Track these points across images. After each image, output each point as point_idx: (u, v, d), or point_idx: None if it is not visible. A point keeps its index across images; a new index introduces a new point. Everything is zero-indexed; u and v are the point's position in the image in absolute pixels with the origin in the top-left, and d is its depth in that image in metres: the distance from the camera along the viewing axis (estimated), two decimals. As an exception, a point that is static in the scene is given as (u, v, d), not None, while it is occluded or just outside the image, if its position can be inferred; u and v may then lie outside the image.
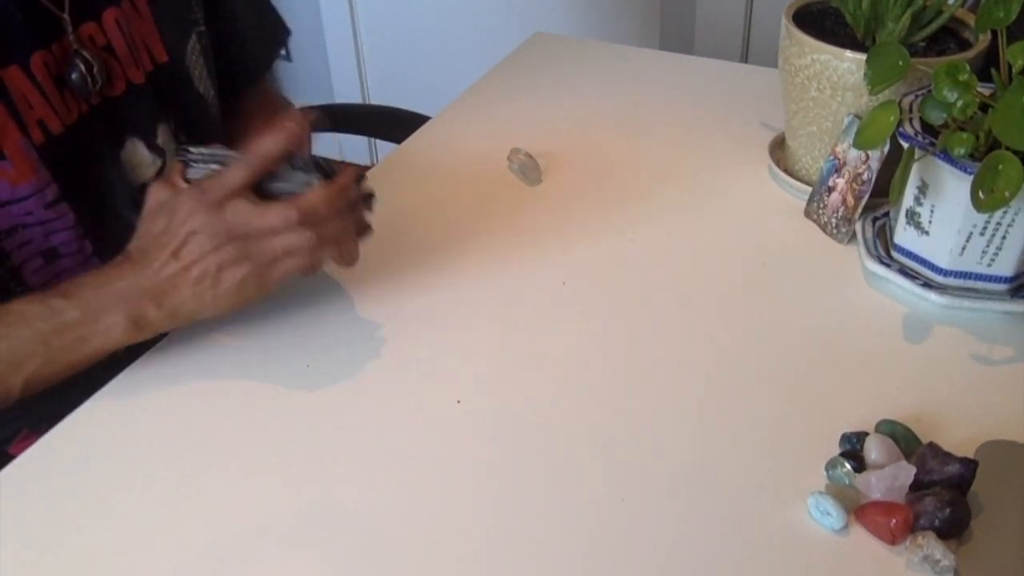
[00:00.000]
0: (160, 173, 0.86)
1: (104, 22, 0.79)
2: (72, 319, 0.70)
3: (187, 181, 0.73)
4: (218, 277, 0.70)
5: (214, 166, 0.73)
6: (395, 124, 1.26)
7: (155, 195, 0.73)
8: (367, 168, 0.97)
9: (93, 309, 0.70)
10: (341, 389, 0.74)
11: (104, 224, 0.82)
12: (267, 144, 0.71)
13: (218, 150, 0.74)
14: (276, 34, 1.05)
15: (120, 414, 0.72)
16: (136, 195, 0.84)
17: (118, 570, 0.60)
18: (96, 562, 0.61)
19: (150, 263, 0.70)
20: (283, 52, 2.62)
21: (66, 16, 0.76)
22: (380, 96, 2.54)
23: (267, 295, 0.73)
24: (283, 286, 0.74)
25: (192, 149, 0.74)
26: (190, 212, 0.70)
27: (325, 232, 0.72)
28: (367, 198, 0.77)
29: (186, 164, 0.74)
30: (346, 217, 0.74)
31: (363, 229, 0.76)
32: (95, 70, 0.77)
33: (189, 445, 0.69)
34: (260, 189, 0.72)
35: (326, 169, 0.74)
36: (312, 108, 0.75)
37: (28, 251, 0.78)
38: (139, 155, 0.84)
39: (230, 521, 0.63)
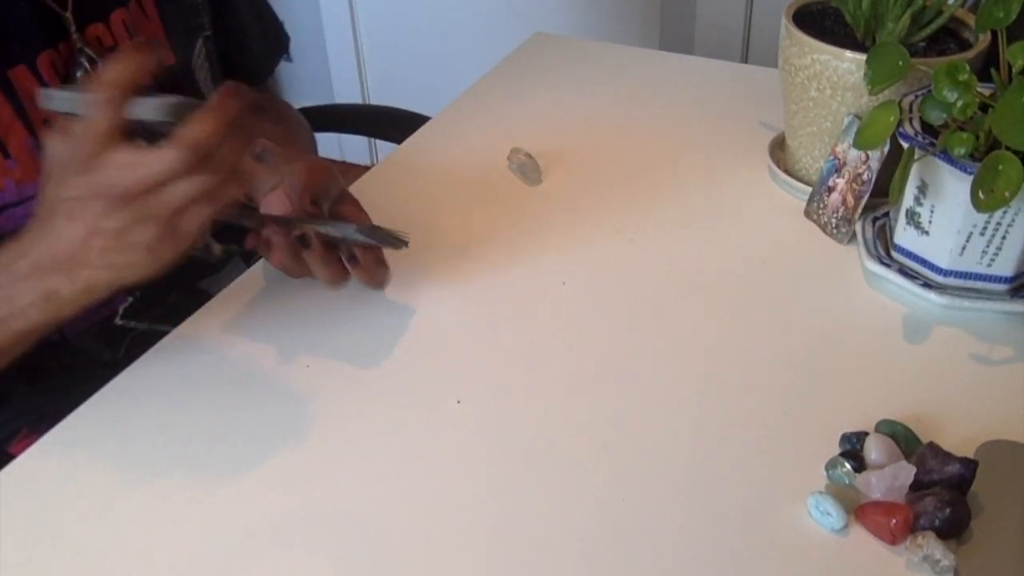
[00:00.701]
0: None
1: (112, 23, 0.80)
2: None
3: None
4: (123, 242, 0.62)
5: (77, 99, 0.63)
6: (395, 124, 1.26)
7: (52, 146, 0.64)
8: (365, 169, 0.97)
9: (4, 293, 0.65)
10: (341, 389, 0.74)
11: None
12: (117, 68, 0.61)
13: (79, 85, 0.65)
14: (278, 41, 1.06)
15: (120, 414, 0.72)
16: None
17: (118, 570, 0.60)
18: (96, 562, 0.61)
19: (50, 232, 0.64)
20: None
21: (69, 15, 0.76)
22: (380, 96, 2.55)
23: (187, 246, 0.64)
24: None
25: (52, 91, 0.66)
26: (66, 177, 0.62)
27: (221, 163, 0.62)
28: (254, 107, 0.64)
29: (50, 107, 0.65)
30: (239, 140, 0.63)
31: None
32: (99, 70, 0.77)
33: (189, 445, 0.69)
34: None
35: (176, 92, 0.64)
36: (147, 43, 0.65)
37: None
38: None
39: (230, 521, 0.63)
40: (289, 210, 0.78)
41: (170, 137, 0.60)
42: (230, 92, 0.62)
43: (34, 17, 0.74)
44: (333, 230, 0.75)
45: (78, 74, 0.76)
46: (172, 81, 0.86)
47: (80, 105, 0.62)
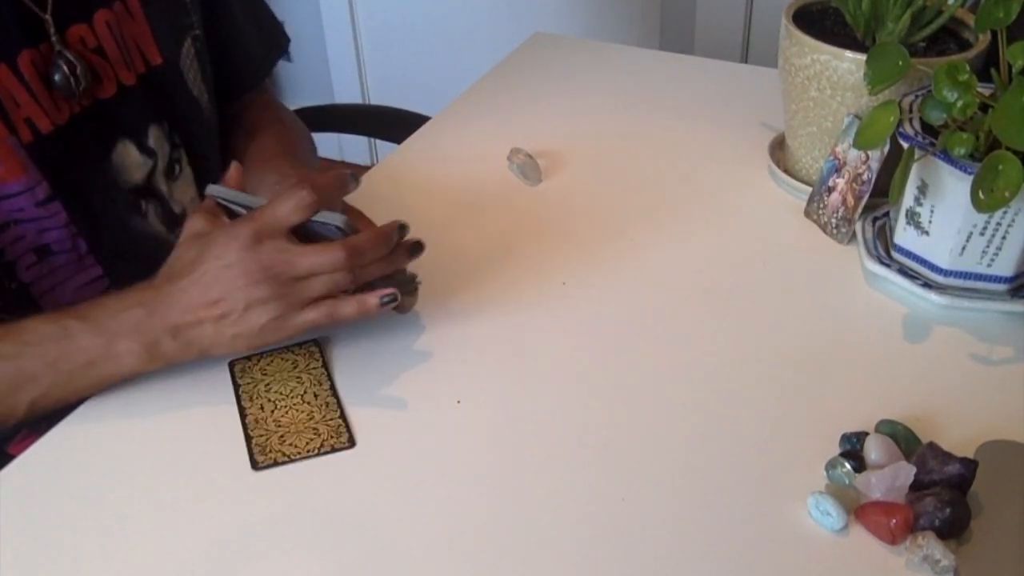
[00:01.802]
0: (151, 174, 0.86)
1: (95, 24, 0.79)
2: (85, 343, 0.68)
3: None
4: (243, 316, 0.68)
5: (242, 211, 0.73)
6: (395, 124, 1.26)
7: (193, 224, 0.72)
8: (365, 169, 0.97)
9: (107, 334, 0.68)
10: (340, 389, 0.74)
11: (97, 224, 0.82)
12: (321, 184, 0.70)
13: (246, 196, 0.74)
14: (276, 40, 1.05)
15: (120, 414, 0.72)
16: (128, 196, 0.85)
17: (118, 570, 0.60)
18: (96, 562, 0.61)
19: (175, 293, 0.69)
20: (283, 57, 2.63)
21: (48, 18, 0.76)
22: (380, 96, 2.54)
23: (284, 340, 0.71)
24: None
25: (220, 190, 0.74)
26: (225, 245, 0.68)
27: (364, 276, 0.70)
28: (413, 249, 0.75)
29: (221, 206, 0.74)
30: (384, 262, 0.72)
31: (394, 296, 0.72)
32: (79, 71, 0.77)
33: (190, 445, 0.69)
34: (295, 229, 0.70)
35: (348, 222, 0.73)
36: (350, 173, 0.74)
37: (21, 247, 0.78)
38: (130, 156, 0.84)
39: (231, 521, 0.63)
40: None
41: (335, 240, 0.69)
42: (395, 224, 0.72)
43: (14, 17, 0.74)
44: (321, 224, 0.76)
45: (56, 77, 0.76)
46: (159, 80, 0.85)
47: (242, 203, 0.72)
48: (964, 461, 0.62)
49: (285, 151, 0.94)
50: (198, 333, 0.69)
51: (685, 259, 0.88)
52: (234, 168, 0.76)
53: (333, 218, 0.70)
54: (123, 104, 0.82)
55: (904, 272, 0.81)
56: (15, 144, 0.74)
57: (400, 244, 0.73)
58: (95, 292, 0.85)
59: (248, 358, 0.75)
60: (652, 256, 0.88)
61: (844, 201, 0.88)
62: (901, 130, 0.78)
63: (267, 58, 1.04)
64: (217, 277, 0.68)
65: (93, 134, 0.81)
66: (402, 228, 0.73)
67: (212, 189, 0.74)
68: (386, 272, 0.73)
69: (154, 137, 0.86)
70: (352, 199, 0.85)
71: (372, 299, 0.70)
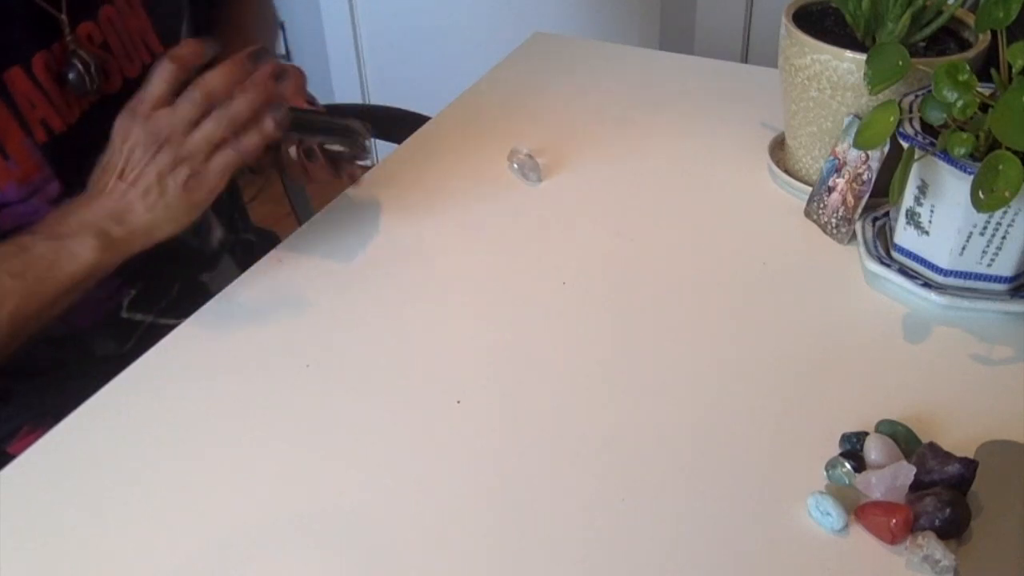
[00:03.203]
0: None
1: (100, 20, 0.80)
2: (41, 250, 0.72)
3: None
4: (161, 186, 0.73)
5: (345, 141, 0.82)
6: (395, 124, 1.26)
7: (118, 124, 0.75)
8: (365, 169, 0.97)
9: (58, 236, 0.72)
10: (341, 389, 0.74)
11: None
12: (184, 51, 0.74)
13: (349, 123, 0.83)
14: (273, 25, 1.07)
15: (120, 414, 0.72)
16: None
17: (118, 570, 0.60)
18: (96, 562, 0.61)
19: (103, 187, 0.73)
20: (279, 49, 2.62)
21: (64, 16, 0.76)
22: (380, 96, 2.54)
23: (218, 189, 0.75)
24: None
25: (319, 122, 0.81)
26: (127, 128, 0.73)
27: (238, 111, 0.73)
28: (277, 74, 0.77)
29: (322, 148, 0.83)
30: (253, 91, 0.74)
31: (279, 105, 0.76)
32: (92, 69, 0.78)
33: (189, 445, 0.69)
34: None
35: None
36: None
37: None
38: None
39: (231, 520, 0.63)
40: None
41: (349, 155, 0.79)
42: (249, 55, 0.75)
43: (27, 19, 0.74)
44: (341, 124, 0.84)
45: (71, 76, 0.77)
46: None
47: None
48: (964, 461, 0.62)
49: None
50: (135, 215, 0.73)
51: (685, 259, 0.88)
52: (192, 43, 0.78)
53: (333, 123, 0.80)
54: (129, 97, 0.82)
55: (904, 272, 0.81)
56: (31, 146, 0.75)
57: (260, 70, 0.76)
58: (109, 291, 0.86)
59: None
60: (652, 256, 0.88)
61: (844, 201, 0.88)
62: (901, 130, 0.78)
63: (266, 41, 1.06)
64: (128, 163, 0.73)
65: (102, 130, 0.81)
66: (256, 54, 0.76)
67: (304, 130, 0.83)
68: (261, 101, 0.75)
69: None
70: (352, 200, 0.85)
71: (267, 121, 0.75)
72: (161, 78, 0.73)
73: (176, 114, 0.72)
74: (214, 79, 0.73)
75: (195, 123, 0.73)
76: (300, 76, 0.90)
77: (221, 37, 0.97)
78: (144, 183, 0.73)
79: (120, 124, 0.74)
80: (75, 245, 0.73)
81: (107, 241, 0.73)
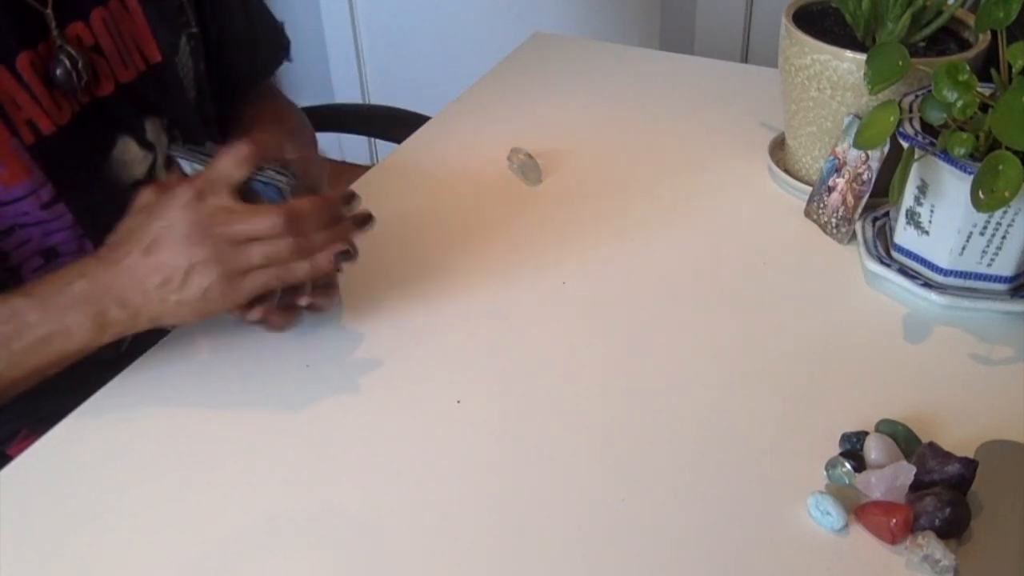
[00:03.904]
0: (152, 168, 0.86)
1: (91, 22, 0.79)
2: (34, 320, 0.68)
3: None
4: (185, 279, 0.66)
5: (203, 164, 0.71)
6: (395, 124, 1.26)
7: (141, 196, 0.70)
8: (365, 169, 0.97)
9: (55, 309, 0.68)
10: (341, 389, 0.74)
11: (103, 222, 0.82)
12: (264, 140, 0.69)
13: (209, 149, 0.72)
14: (278, 43, 1.05)
15: (119, 414, 0.72)
16: (131, 193, 0.84)
17: (118, 570, 0.60)
18: (96, 562, 0.61)
19: (118, 259, 0.67)
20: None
21: (49, 12, 0.76)
22: (380, 96, 2.54)
23: (232, 307, 0.70)
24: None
25: (181, 147, 0.73)
26: (168, 207, 0.67)
27: (306, 244, 0.68)
28: (361, 220, 0.73)
29: (175, 162, 0.72)
30: (330, 231, 0.70)
31: (347, 251, 0.71)
32: (80, 66, 0.77)
33: (189, 445, 0.69)
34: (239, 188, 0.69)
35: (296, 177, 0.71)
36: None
37: (27, 251, 0.78)
38: (130, 152, 0.84)
39: (230, 521, 0.63)
40: None
41: (277, 204, 0.67)
42: (345, 193, 0.70)
43: (12, 17, 0.74)
44: (266, 184, 0.74)
45: (57, 72, 0.76)
46: (158, 77, 0.85)
47: (208, 156, 0.70)
48: (964, 461, 0.62)
49: (282, 130, 0.94)
50: (143, 301, 0.67)
51: (685, 259, 0.88)
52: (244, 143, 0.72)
53: (277, 179, 0.68)
54: (122, 101, 0.82)
55: (904, 272, 0.81)
56: (18, 147, 0.74)
57: (347, 214, 0.71)
58: None
59: None
60: (652, 256, 0.88)
61: (844, 201, 0.88)
62: (901, 130, 0.78)
63: (267, 58, 1.04)
64: (157, 240, 0.66)
65: (93, 132, 0.81)
66: (351, 197, 0.70)
67: (175, 149, 0.73)
68: (331, 243, 0.70)
69: (151, 130, 0.86)
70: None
71: (325, 256, 0.69)
72: (232, 160, 0.67)
73: (246, 224, 0.66)
74: (304, 211, 0.67)
75: (255, 240, 0.66)
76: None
77: (261, 127, 0.94)
78: (167, 270, 0.66)
79: (165, 198, 0.67)
80: (69, 323, 0.67)
81: (104, 323, 0.68)
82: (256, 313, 0.73)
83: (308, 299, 0.74)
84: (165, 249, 0.66)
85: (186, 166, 0.72)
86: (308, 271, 0.69)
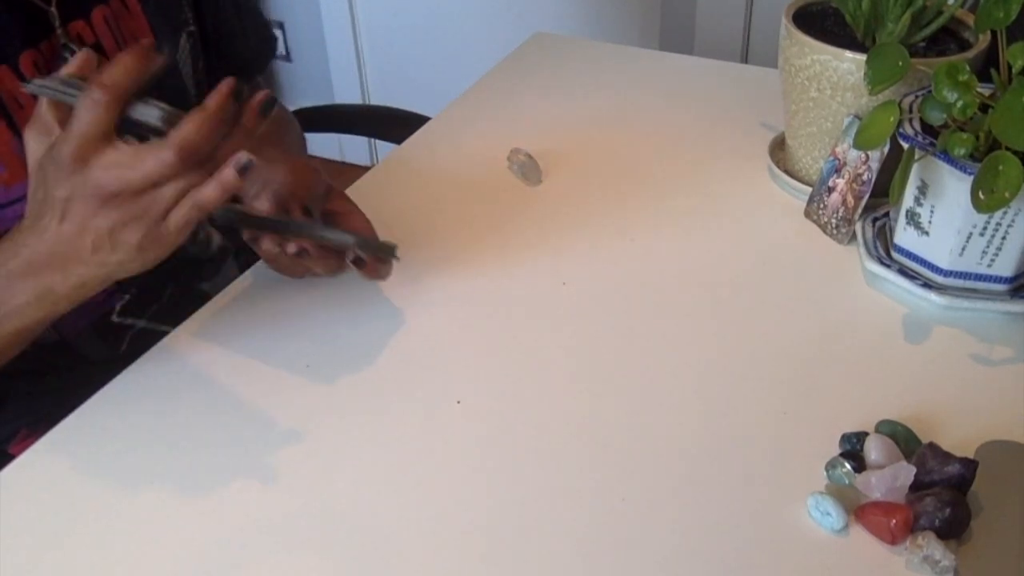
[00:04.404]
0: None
1: (93, 20, 0.79)
2: None
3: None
4: (113, 241, 0.63)
5: (70, 94, 0.64)
6: (395, 124, 1.26)
7: (28, 149, 0.66)
8: (365, 169, 0.97)
9: (4, 277, 0.65)
10: (341, 389, 0.74)
11: None
12: (115, 73, 0.61)
13: (67, 80, 0.64)
14: (265, 35, 1.05)
15: (120, 414, 0.72)
16: None
17: (118, 570, 0.60)
18: (96, 562, 0.61)
19: (43, 231, 0.64)
20: (279, 49, 2.62)
21: (54, 10, 0.76)
22: (380, 96, 2.54)
23: (174, 247, 0.66)
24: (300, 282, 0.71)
25: (43, 82, 0.65)
26: (56, 178, 0.62)
27: (213, 165, 0.63)
28: (262, 108, 0.65)
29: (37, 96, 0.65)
30: (234, 137, 0.64)
31: (248, 161, 0.63)
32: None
33: (188, 445, 0.69)
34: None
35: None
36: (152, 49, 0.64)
37: None
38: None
39: (230, 521, 0.63)
40: (271, 209, 0.77)
41: (163, 138, 0.60)
42: (225, 92, 0.62)
43: (15, 15, 0.73)
44: (331, 239, 0.75)
45: (61, 71, 0.75)
46: (158, 77, 0.85)
47: (71, 96, 0.62)
48: (964, 461, 0.62)
49: (271, 138, 0.92)
50: (83, 268, 0.65)
51: (685, 259, 0.88)
52: (81, 54, 0.67)
53: (148, 113, 0.63)
54: None
55: (904, 272, 0.81)
56: (18, 147, 0.74)
57: (247, 110, 0.65)
58: (100, 296, 0.85)
59: None
60: (652, 256, 0.88)
61: (844, 201, 0.88)
62: (901, 130, 0.78)
63: (260, 55, 1.04)
64: (67, 213, 0.63)
65: None
66: (238, 94, 0.64)
67: (33, 84, 0.65)
68: (246, 143, 0.64)
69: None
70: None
71: (227, 171, 0.62)
72: (92, 112, 0.61)
73: (135, 174, 0.61)
74: (193, 136, 0.61)
75: (157, 183, 0.62)
76: (316, 180, 0.80)
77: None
78: (92, 237, 0.63)
79: (47, 165, 0.63)
80: (17, 303, 0.65)
81: (53, 297, 0.66)
82: (292, 247, 0.73)
83: (366, 273, 0.73)
84: (77, 216, 0.63)
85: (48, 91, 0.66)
86: (218, 191, 0.63)
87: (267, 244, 0.76)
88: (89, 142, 0.61)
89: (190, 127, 0.61)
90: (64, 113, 0.64)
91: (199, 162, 0.62)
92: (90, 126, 0.61)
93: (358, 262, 0.77)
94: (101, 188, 0.61)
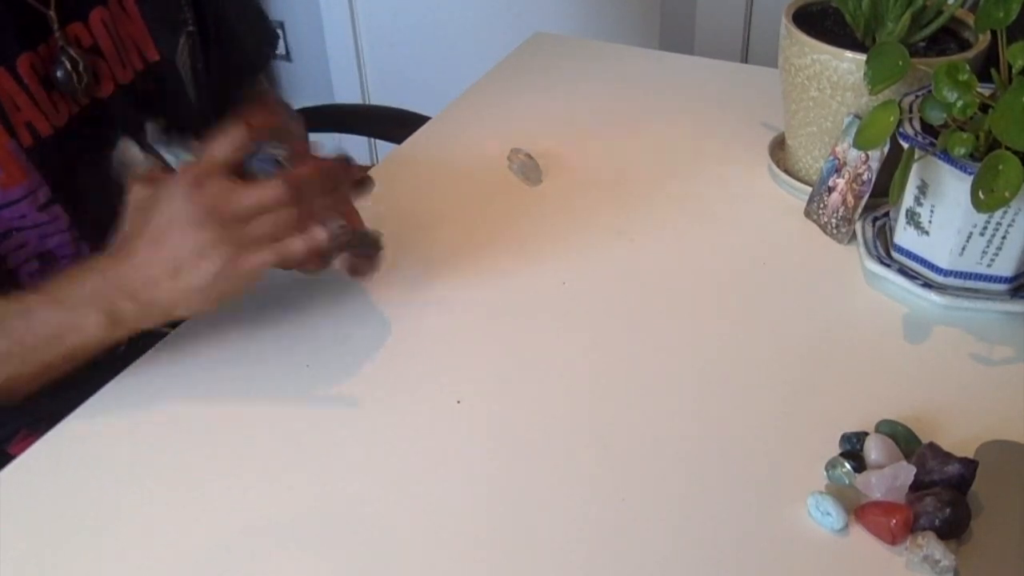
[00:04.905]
0: (152, 169, 0.86)
1: (90, 22, 0.79)
2: (46, 316, 0.68)
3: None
4: (195, 265, 0.66)
5: (189, 152, 0.70)
6: (395, 124, 1.26)
7: (136, 191, 0.70)
8: (368, 167, 0.97)
9: (68, 305, 0.68)
10: (340, 389, 0.74)
11: (99, 226, 0.81)
12: (258, 120, 0.68)
13: (191, 142, 0.71)
14: (266, 31, 1.05)
15: (120, 414, 0.72)
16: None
17: (118, 570, 0.60)
18: (96, 562, 0.61)
19: (127, 254, 0.67)
20: (279, 49, 2.62)
21: (52, 13, 0.76)
22: (380, 96, 2.54)
23: (245, 289, 0.68)
24: (273, 286, 0.71)
25: (164, 140, 0.71)
26: (168, 199, 0.66)
27: (308, 211, 0.67)
28: (360, 183, 0.72)
29: (157, 154, 0.71)
30: (331, 197, 0.69)
31: (343, 224, 0.69)
32: (81, 68, 0.77)
33: (188, 445, 0.69)
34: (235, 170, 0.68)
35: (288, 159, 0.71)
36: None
37: (23, 254, 0.77)
38: (130, 155, 0.83)
39: (230, 521, 0.63)
40: None
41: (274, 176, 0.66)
42: (343, 157, 0.69)
43: (12, 18, 0.73)
44: (262, 163, 0.74)
45: (59, 74, 0.76)
46: (157, 77, 0.85)
47: (177, 160, 0.70)
48: (964, 461, 0.62)
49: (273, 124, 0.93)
50: (156, 292, 0.67)
51: (685, 259, 0.88)
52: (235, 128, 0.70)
53: (273, 153, 0.68)
54: (121, 103, 0.82)
55: (904, 272, 0.81)
56: (16, 149, 0.74)
57: (346, 178, 0.70)
58: None
59: None
60: (652, 256, 0.88)
61: (844, 201, 0.88)
62: (901, 130, 0.78)
63: (262, 51, 1.04)
64: (163, 230, 0.66)
65: (92, 134, 0.80)
66: (347, 160, 0.69)
67: (158, 141, 0.72)
68: (333, 207, 0.70)
69: (151, 132, 0.85)
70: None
71: (319, 230, 0.67)
72: (228, 143, 0.66)
73: (247, 199, 0.65)
74: (307, 178, 0.66)
75: (261, 213, 0.65)
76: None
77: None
78: (177, 258, 0.65)
79: (163, 191, 0.67)
80: (81, 318, 0.67)
81: (116, 318, 0.68)
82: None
83: (346, 259, 0.75)
84: (172, 238, 0.66)
85: (171, 159, 0.71)
86: (304, 245, 0.67)
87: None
88: (210, 170, 0.66)
89: (304, 170, 0.67)
90: (170, 174, 0.69)
91: (299, 204, 0.66)
92: (216, 156, 0.66)
93: (345, 261, 0.77)
94: (207, 207, 0.65)
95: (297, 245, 0.67)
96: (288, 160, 0.69)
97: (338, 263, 0.77)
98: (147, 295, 0.67)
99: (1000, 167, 0.69)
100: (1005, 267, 0.78)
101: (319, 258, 0.77)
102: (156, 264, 0.66)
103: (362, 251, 0.77)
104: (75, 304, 0.68)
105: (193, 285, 0.66)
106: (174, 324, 0.80)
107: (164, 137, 0.73)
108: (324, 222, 0.67)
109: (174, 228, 0.66)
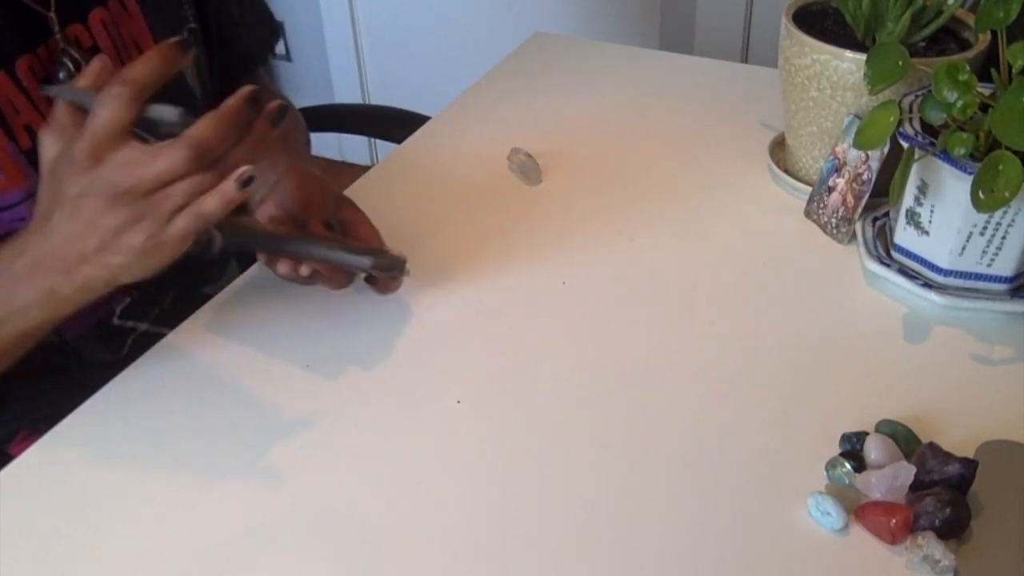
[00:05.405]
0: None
1: (90, 23, 0.79)
2: None
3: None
4: (117, 243, 0.63)
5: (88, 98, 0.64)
6: (395, 124, 1.26)
7: (43, 149, 0.66)
8: (365, 169, 0.97)
9: (4, 292, 0.66)
10: (340, 389, 0.74)
11: None
12: (137, 70, 0.61)
13: (88, 92, 0.65)
14: (270, 26, 1.05)
15: (120, 414, 0.72)
16: None
17: (118, 570, 0.60)
18: (96, 562, 0.61)
19: (51, 232, 0.64)
20: (279, 49, 2.62)
21: (52, 15, 0.75)
22: (380, 96, 2.54)
23: (176, 254, 0.65)
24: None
25: (61, 90, 0.67)
26: (71, 176, 0.62)
27: (230, 163, 0.62)
28: (273, 118, 0.65)
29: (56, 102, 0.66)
30: (246, 144, 0.63)
31: (251, 176, 0.63)
32: (82, 69, 0.76)
33: (188, 445, 0.69)
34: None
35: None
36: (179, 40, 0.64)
37: None
38: (163, 114, 0.82)
39: (230, 521, 0.63)
40: (280, 218, 0.80)
41: (177, 137, 0.61)
42: (242, 97, 0.62)
43: (12, 20, 0.73)
44: (349, 262, 0.76)
45: (61, 75, 0.75)
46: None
47: (88, 101, 0.62)
48: (964, 461, 0.62)
49: (280, 141, 0.92)
50: (87, 269, 0.64)
51: (685, 259, 0.88)
52: (96, 61, 0.67)
53: (165, 112, 0.63)
54: None
55: (904, 272, 0.81)
56: (15, 152, 0.74)
57: (255, 119, 0.64)
58: (100, 297, 0.85)
59: None
60: (652, 256, 0.88)
61: (844, 201, 0.88)
62: (901, 130, 0.78)
63: (263, 44, 1.04)
64: (77, 205, 0.63)
65: None
66: (254, 100, 0.63)
67: (52, 89, 0.67)
68: (255, 153, 0.64)
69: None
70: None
71: (228, 184, 0.62)
72: (110, 108, 0.61)
73: (148, 170, 0.61)
74: (207, 136, 0.61)
75: (168, 182, 0.61)
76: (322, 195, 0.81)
77: None
78: (98, 235, 0.63)
79: (62, 163, 0.63)
80: (21, 303, 0.65)
81: (57, 297, 0.66)
82: (305, 269, 0.76)
83: (378, 289, 0.76)
84: (87, 213, 0.62)
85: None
86: (219, 203, 0.62)
87: (283, 268, 0.77)
88: (105, 139, 0.61)
89: (204, 126, 0.61)
90: (80, 117, 0.63)
91: (210, 164, 0.61)
92: (108, 123, 0.61)
93: (370, 279, 0.80)
94: (113, 185, 0.61)
95: (212, 204, 0.63)
96: (183, 119, 0.63)
97: (363, 280, 0.79)
98: (79, 272, 0.65)
99: (1000, 167, 0.69)
100: (1005, 267, 0.78)
101: (343, 276, 0.79)
102: (79, 240, 0.63)
103: (388, 274, 0.79)
104: (10, 289, 0.66)
105: (122, 261, 0.64)
106: (174, 324, 0.80)
107: (64, 87, 0.67)
108: (241, 173, 0.62)
109: (87, 203, 0.62)
